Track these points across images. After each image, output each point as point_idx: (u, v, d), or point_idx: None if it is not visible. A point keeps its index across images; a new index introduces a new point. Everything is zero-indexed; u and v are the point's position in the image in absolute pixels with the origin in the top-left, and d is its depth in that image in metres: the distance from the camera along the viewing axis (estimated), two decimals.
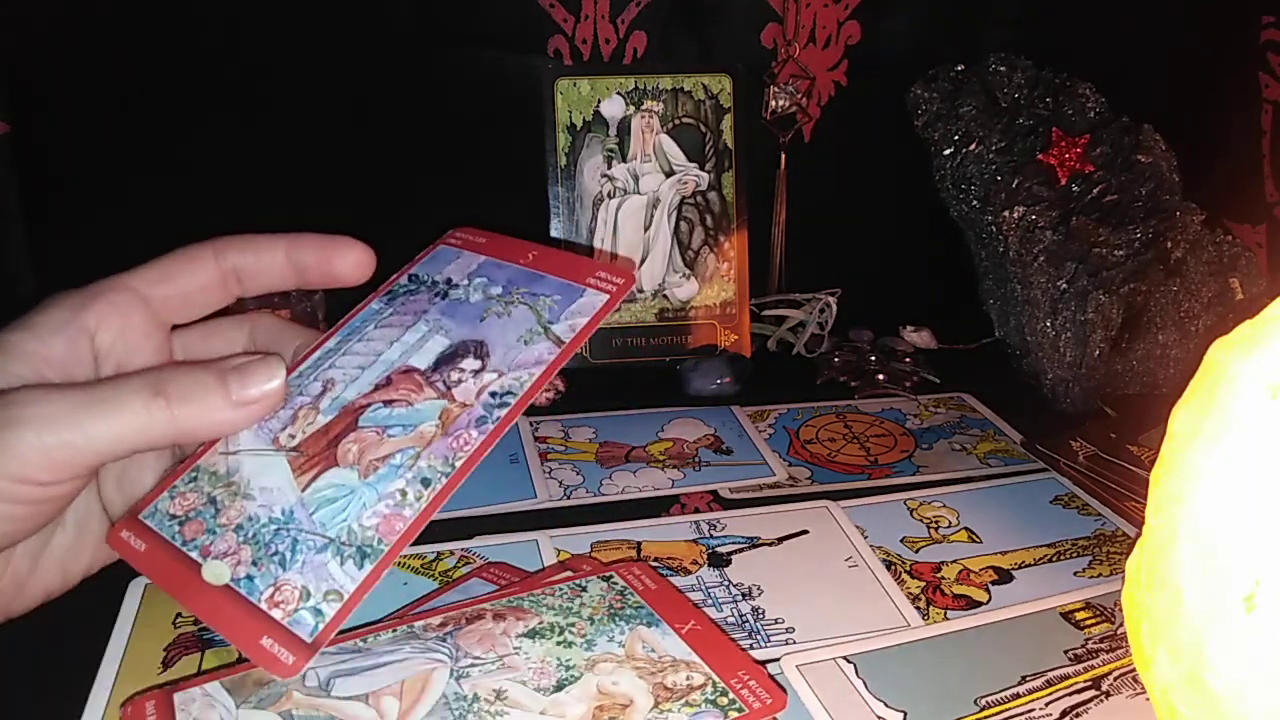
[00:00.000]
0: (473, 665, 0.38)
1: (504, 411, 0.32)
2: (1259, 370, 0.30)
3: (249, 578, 0.31)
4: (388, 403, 0.33)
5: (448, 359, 0.34)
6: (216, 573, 0.31)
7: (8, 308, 0.62)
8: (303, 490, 0.32)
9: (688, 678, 0.38)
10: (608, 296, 0.34)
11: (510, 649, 0.39)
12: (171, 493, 0.34)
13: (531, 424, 0.63)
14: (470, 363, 0.34)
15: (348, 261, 0.37)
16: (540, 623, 0.41)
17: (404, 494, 0.31)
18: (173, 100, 0.67)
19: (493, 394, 0.33)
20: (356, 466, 0.32)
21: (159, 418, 0.31)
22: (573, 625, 0.41)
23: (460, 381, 0.33)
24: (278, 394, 0.33)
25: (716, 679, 0.38)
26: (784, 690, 0.38)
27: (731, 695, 0.37)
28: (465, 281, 0.37)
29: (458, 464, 0.31)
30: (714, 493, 0.56)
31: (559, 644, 0.40)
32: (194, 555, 0.32)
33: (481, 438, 0.32)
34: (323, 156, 0.72)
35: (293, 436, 0.33)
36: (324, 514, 0.31)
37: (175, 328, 0.37)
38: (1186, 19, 0.81)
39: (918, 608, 0.46)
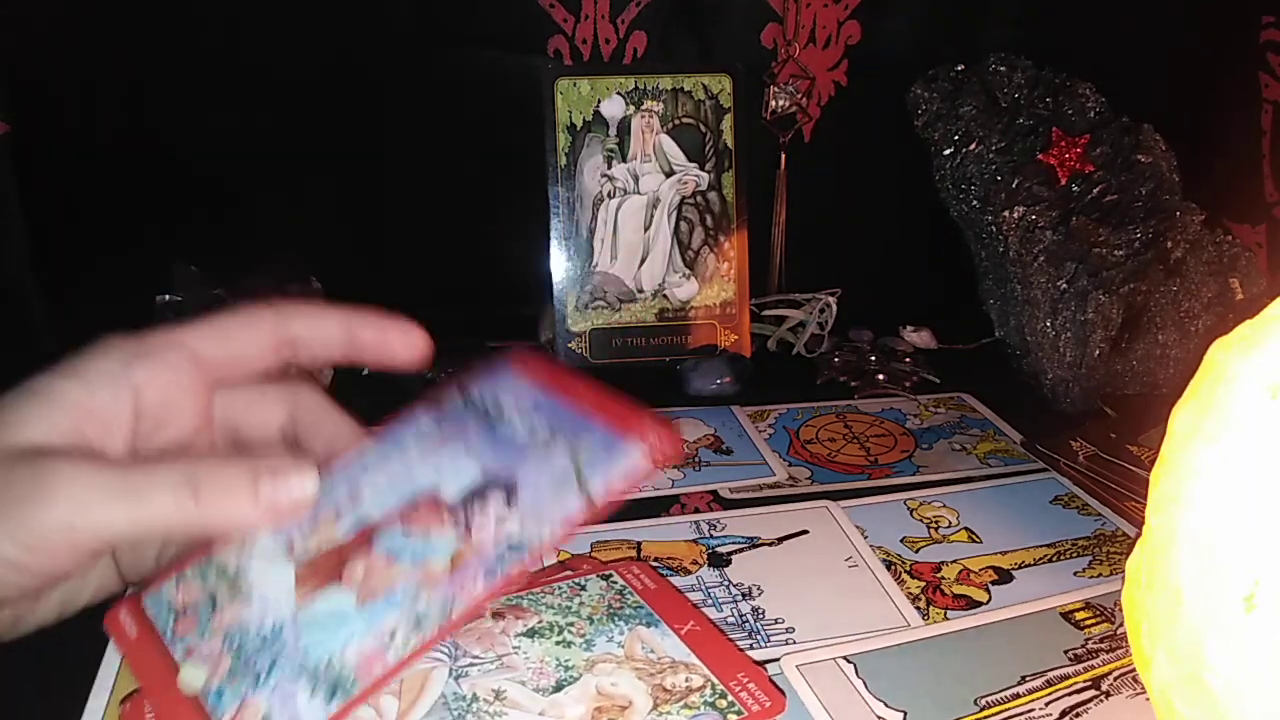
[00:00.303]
0: (471, 665, 0.38)
1: (513, 565, 0.31)
2: (1259, 370, 0.30)
3: (219, 692, 0.30)
4: (406, 529, 0.33)
5: (476, 494, 0.33)
6: (192, 678, 0.30)
7: (8, 308, 0.62)
8: (299, 606, 0.31)
9: (686, 680, 0.38)
10: (650, 462, 0.33)
11: (509, 648, 0.39)
12: (179, 580, 0.33)
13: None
14: (497, 504, 0.33)
15: (404, 346, 0.37)
16: (539, 622, 0.41)
17: (394, 634, 0.30)
18: (173, 100, 0.67)
19: (509, 544, 0.32)
20: (357, 591, 0.31)
21: (186, 513, 0.30)
22: (571, 625, 0.41)
23: (481, 520, 0.32)
24: (307, 503, 0.33)
25: (715, 681, 0.38)
26: (782, 693, 0.38)
27: (730, 698, 0.37)
28: (515, 413, 0.36)
29: (454, 613, 0.30)
30: (714, 493, 0.56)
31: (558, 644, 0.39)
32: (178, 654, 0.31)
33: (485, 589, 0.31)
34: (323, 156, 0.72)
35: (307, 547, 0.33)
36: (312, 638, 0.30)
37: (219, 387, 0.37)
38: (1186, 19, 0.81)
39: (918, 608, 0.46)
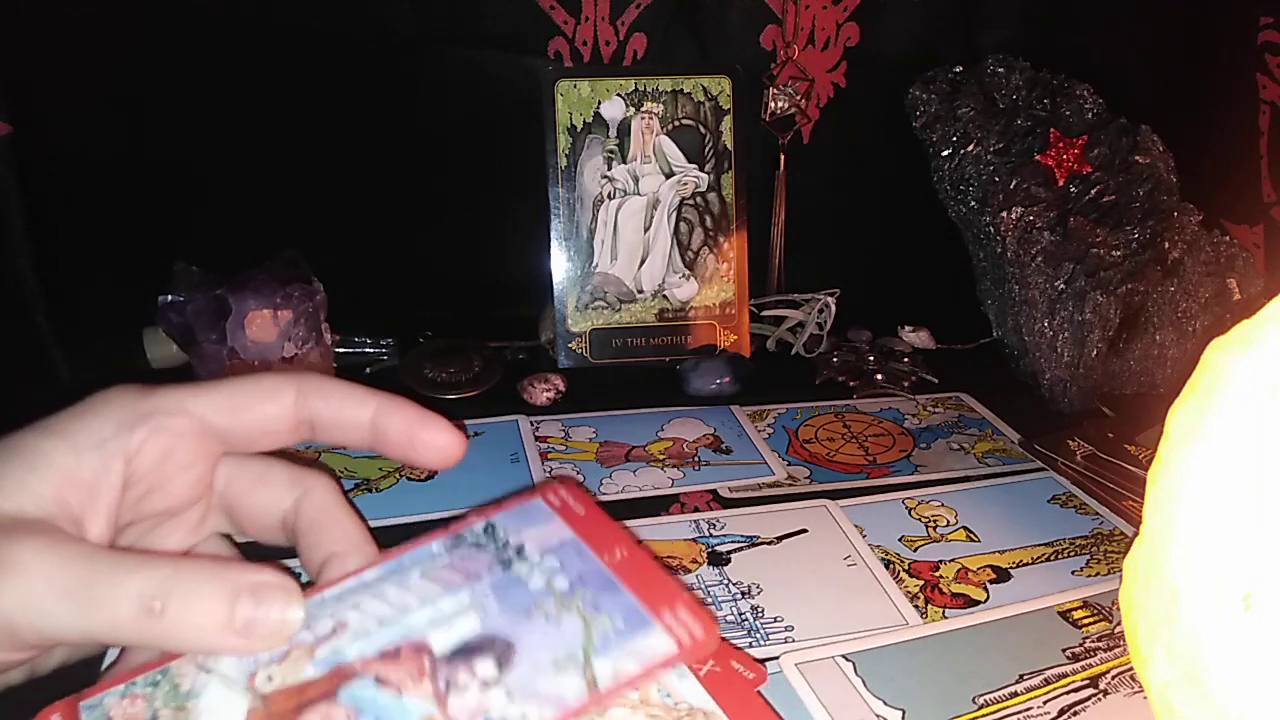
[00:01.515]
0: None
1: None
2: (1256, 370, 0.30)
3: None
4: (380, 681, 0.29)
5: (467, 651, 0.29)
6: None
7: (8, 308, 0.62)
8: None
9: None
10: (675, 649, 0.28)
11: None
12: (126, 689, 0.29)
13: (532, 423, 0.63)
14: (486, 668, 0.29)
15: (434, 445, 0.34)
16: None
17: None
18: (173, 100, 0.67)
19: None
20: None
21: (148, 630, 0.27)
22: None
23: (464, 688, 0.28)
24: (286, 635, 0.29)
25: None
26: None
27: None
28: (537, 556, 0.32)
29: None
30: (714, 492, 0.56)
31: None
32: None
33: None
34: (324, 156, 0.72)
35: (270, 679, 0.29)
36: None
37: (226, 455, 0.34)
38: (1185, 19, 0.82)
39: (916, 606, 0.47)
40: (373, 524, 0.51)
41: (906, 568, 0.50)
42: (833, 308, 0.77)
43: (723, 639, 0.42)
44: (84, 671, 0.35)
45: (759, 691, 0.39)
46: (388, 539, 0.50)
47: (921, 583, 0.49)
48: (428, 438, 0.34)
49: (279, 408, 0.33)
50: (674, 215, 0.73)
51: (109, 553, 0.29)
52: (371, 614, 0.30)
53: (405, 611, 0.30)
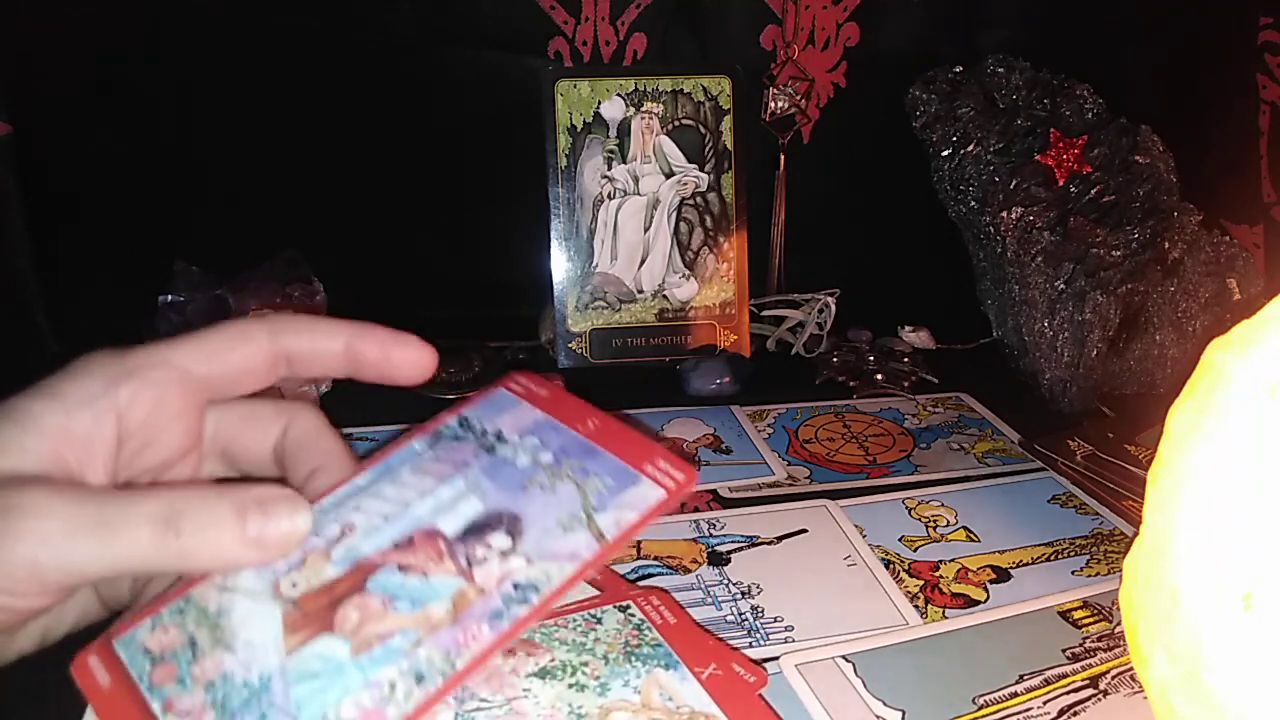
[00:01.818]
0: (479, 709, 0.35)
1: (523, 610, 0.28)
2: (1256, 370, 0.30)
3: None
4: (403, 568, 0.30)
5: (477, 529, 0.31)
6: None
7: (9, 308, 0.62)
8: (288, 654, 0.29)
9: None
10: (664, 494, 0.31)
11: (519, 691, 0.36)
12: (154, 622, 0.30)
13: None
14: (500, 539, 0.30)
15: (408, 360, 0.35)
16: (552, 661, 0.38)
17: (393, 687, 0.27)
18: (173, 100, 0.67)
19: (515, 585, 0.29)
20: (351, 639, 0.29)
21: (167, 550, 0.28)
22: (586, 665, 0.38)
23: (484, 560, 0.30)
24: (297, 540, 0.30)
25: None
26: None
27: None
28: (516, 438, 0.34)
29: (459, 663, 0.28)
30: (714, 492, 0.56)
31: (571, 687, 0.37)
32: (156, 707, 0.28)
33: (493, 636, 0.28)
34: (324, 156, 0.72)
35: (294, 585, 0.30)
36: (302, 690, 0.28)
37: (211, 403, 0.35)
38: (1185, 20, 0.82)
39: (916, 606, 0.47)
40: None
41: (906, 568, 0.50)
42: (833, 308, 0.77)
43: (723, 641, 0.42)
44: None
45: (760, 695, 0.39)
46: None
47: (921, 583, 0.49)
48: (401, 354, 0.36)
49: (253, 347, 0.34)
50: (674, 215, 0.73)
51: (116, 490, 0.30)
52: (375, 512, 0.32)
53: (406, 505, 0.32)
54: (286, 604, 0.29)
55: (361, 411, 0.63)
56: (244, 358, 0.34)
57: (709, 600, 0.46)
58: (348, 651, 0.28)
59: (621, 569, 0.48)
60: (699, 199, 0.73)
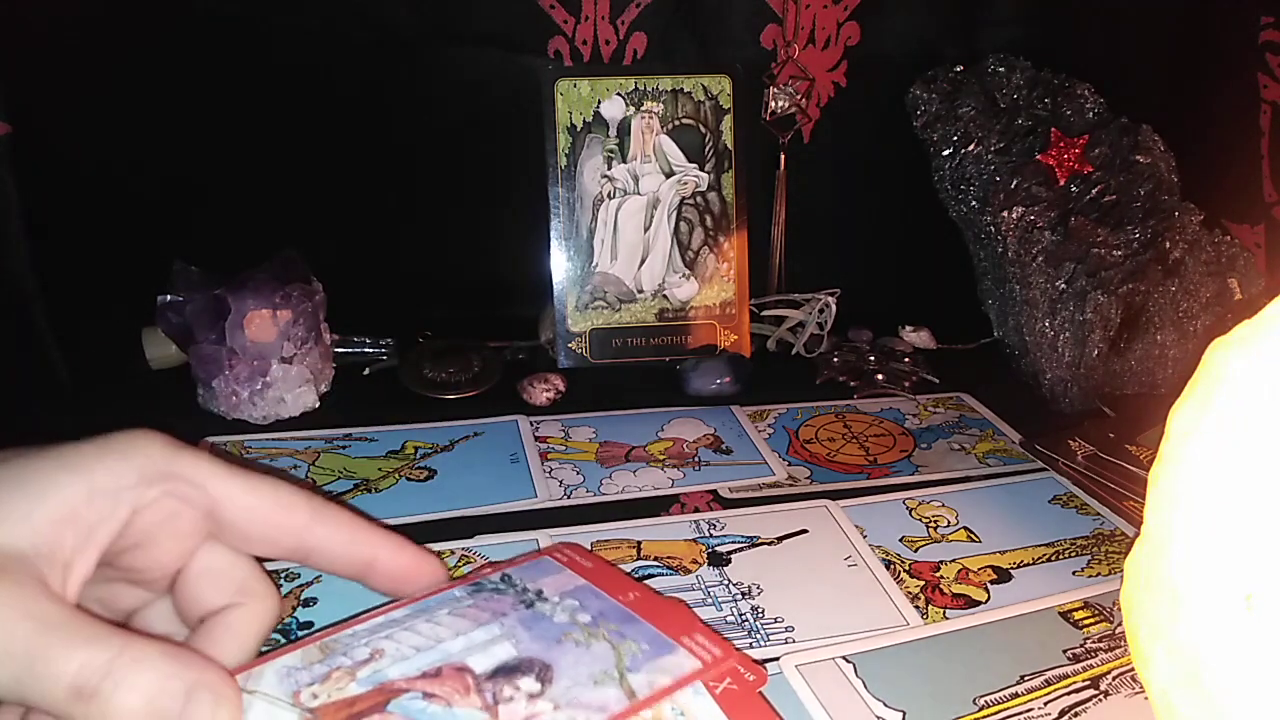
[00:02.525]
0: None
1: None
2: (1258, 370, 0.30)
3: None
4: (427, 695, 0.29)
5: (507, 671, 0.30)
6: None
7: (8, 308, 0.62)
8: None
9: None
10: (699, 665, 0.30)
11: None
12: None
13: (532, 424, 0.63)
14: (529, 683, 0.29)
15: (424, 584, 0.35)
16: None
17: None
18: (173, 100, 0.67)
19: None
20: None
21: (74, 710, 0.26)
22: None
23: (511, 699, 0.29)
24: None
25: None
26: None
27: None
28: (556, 598, 0.34)
29: None
30: (714, 492, 0.56)
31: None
32: None
33: None
34: (324, 156, 0.72)
35: (315, 696, 0.29)
36: None
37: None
38: (1186, 19, 0.82)
39: (917, 607, 0.46)
40: None
41: (907, 568, 0.50)
42: (833, 308, 0.77)
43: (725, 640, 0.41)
44: None
45: (760, 693, 0.39)
46: None
47: (922, 583, 0.48)
48: (415, 577, 0.35)
49: (289, 527, 0.32)
50: (674, 215, 0.73)
51: (65, 616, 0.28)
52: (408, 642, 0.31)
53: (439, 640, 0.31)
54: (304, 712, 0.29)
55: (362, 412, 0.63)
56: (275, 529, 0.32)
57: (709, 601, 0.46)
58: None
59: (622, 570, 0.48)
60: (699, 199, 0.73)
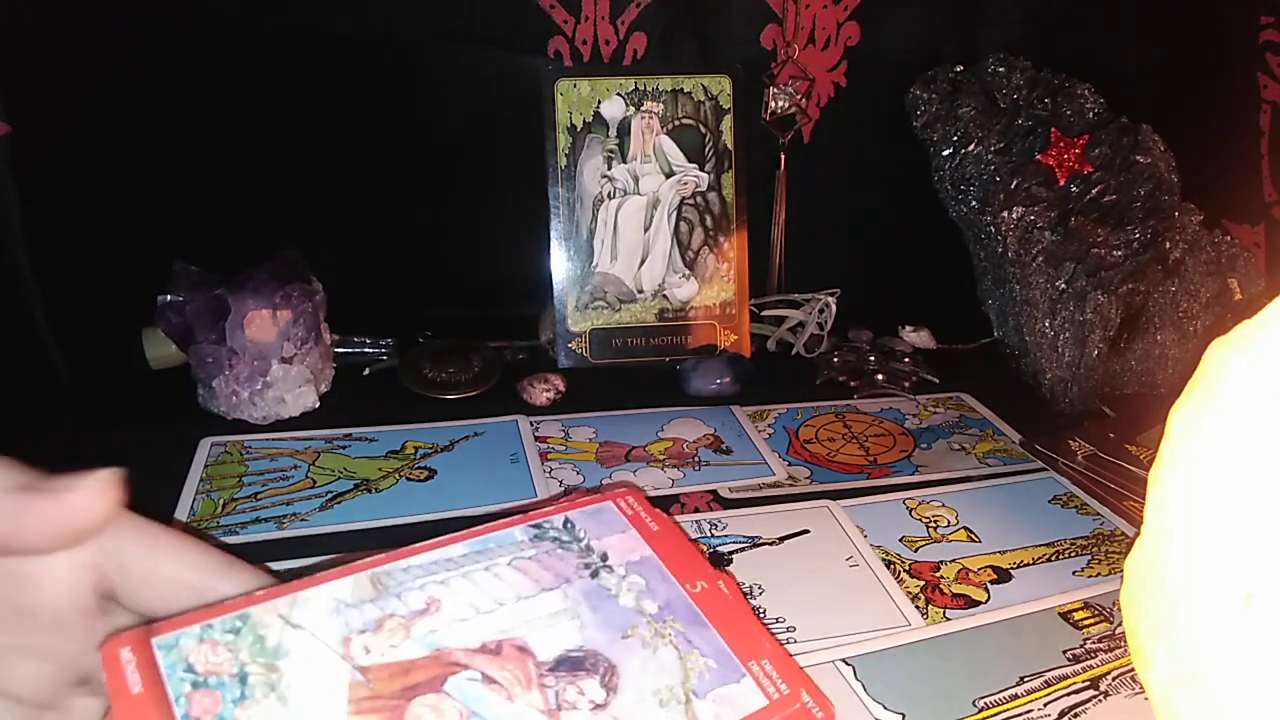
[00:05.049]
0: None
1: None
2: (1257, 370, 0.30)
3: None
4: (487, 679, 0.27)
5: (571, 665, 0.29)
6: None
7: (8, 307, 0.62)
8: None
9: None
10: (766, 704, 0.28)
11: None
12: (204, 631, 0.27)
13: (532, 423, 0.63)
14: (593, 689, 0.28)
15: None
16: None
17: None
18: (173, 100, 0.67)
19: None
20: None
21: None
22: None
23: (574, 707, 0.27)
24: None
25: None
26: None
27: None
28: (622, 570, 0.32)
29: None
30: (714, 492, 0.56)
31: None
32: None
33: None
34: (324, 156, 0.72)
35: (367, 650, 0.27)
36: None
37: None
38: (1186, 19, 0.82)
39: (917, 607, 0.46)
40: (373, 525, 0.51)
41: (907, 568, 0.50)
42: (833, 308, 0.77)
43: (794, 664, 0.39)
44: None
45: None
46: (389, 540, 0.50)
47: (922, 583, 0.48)
48: None
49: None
50: (674, 215, 0.73)
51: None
52: (465, 597, 0.30)
53: (499, 602, 0.30)
54: (354, 670, 0.27)
55: (362, 412, 0.63)
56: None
57: None
58: None
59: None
60: (699, 199, 0.73)
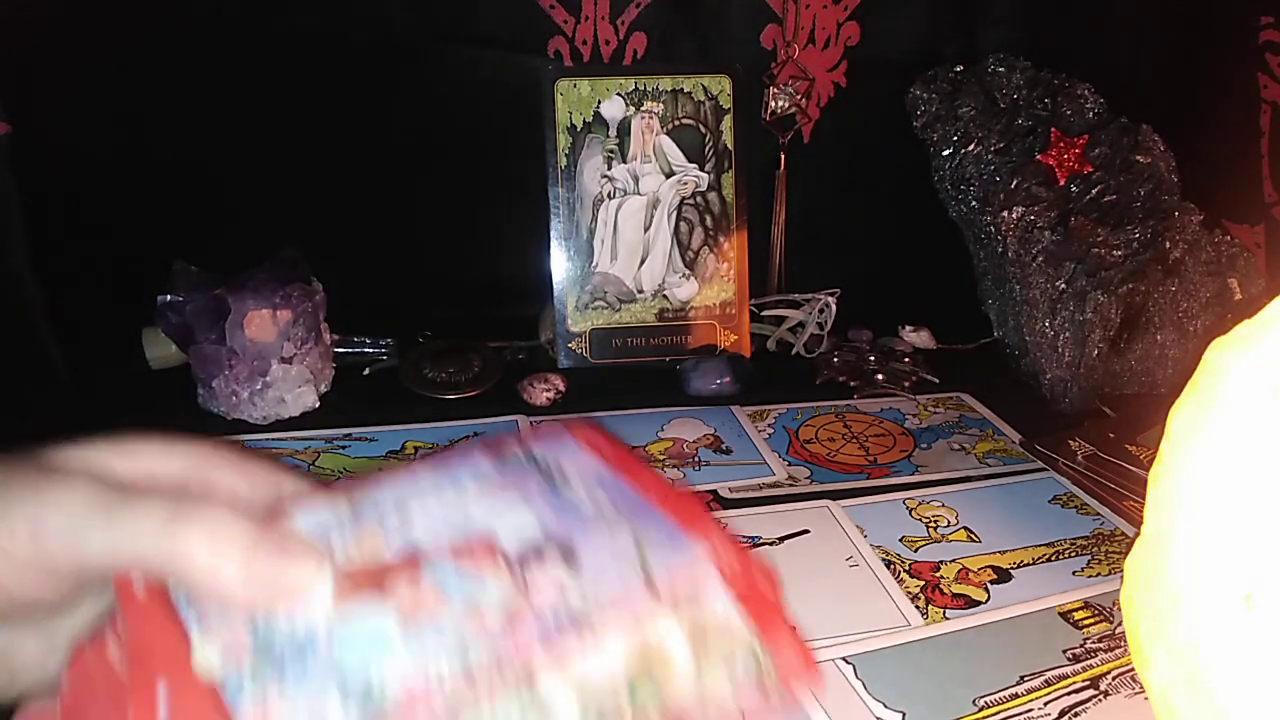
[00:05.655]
0: None
1: (572, 642, 0.27)
2: (1257, 370, 0.30)
3: (239, 685, 0.26)
4: (458, 566, 0.29)
5: (536, 552, 0.30)
6: (208, 661, 0.26)
7: (8, 308, 0.62)
8: (336, 612, 0.27)
9: (729, 640, 0.32)
10: (716, 568, 0.30)
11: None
12: None
13: (532, 423, 0.63)
14: (557, 566, 0.29)
15: None
16: None
17: (441, 680, 0.26)
18: (173, 101, 0.67)
19: (569, 617, 0.28)
20: (400, 612, 0.27)
21: (163, 549, 0.26)
22: None
23: (540, 586, 0.29)
24: (300, 595, 0.28)
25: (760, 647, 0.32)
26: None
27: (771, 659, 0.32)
28: (579, 483, 0.33)
29: (507, 676, 0.26)
30: (714, 492, 0.56)
31: None
32: (193, 631, 0.27)
33: (542, 657, 0.27)
34: (324, 156, 0.72)
35: (349, 557, 0.29)
36: (348, 652, 0.26)
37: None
38: (1186, 19, 0.82)
39: (917, 607, 0.46)
40: None
41: (907, 568, 0.50)
42: (833, 308, 0.77)
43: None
44: None
45: (779, 602, 0.33)
46: None
47: (922, 583, 0.48)
48: None
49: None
50: (674, 215, 0.73)
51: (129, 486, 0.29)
52: (434, 508, 0.31)
53: (466, 510, 0.31)
54: (337, 568, 0.28)
55: (362, 412, 0.63)
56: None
57: None
58: (395, 622, 0.27)
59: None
60: (699, 199, 0.73)
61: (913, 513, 0.55)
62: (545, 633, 0.27)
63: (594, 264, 0.72)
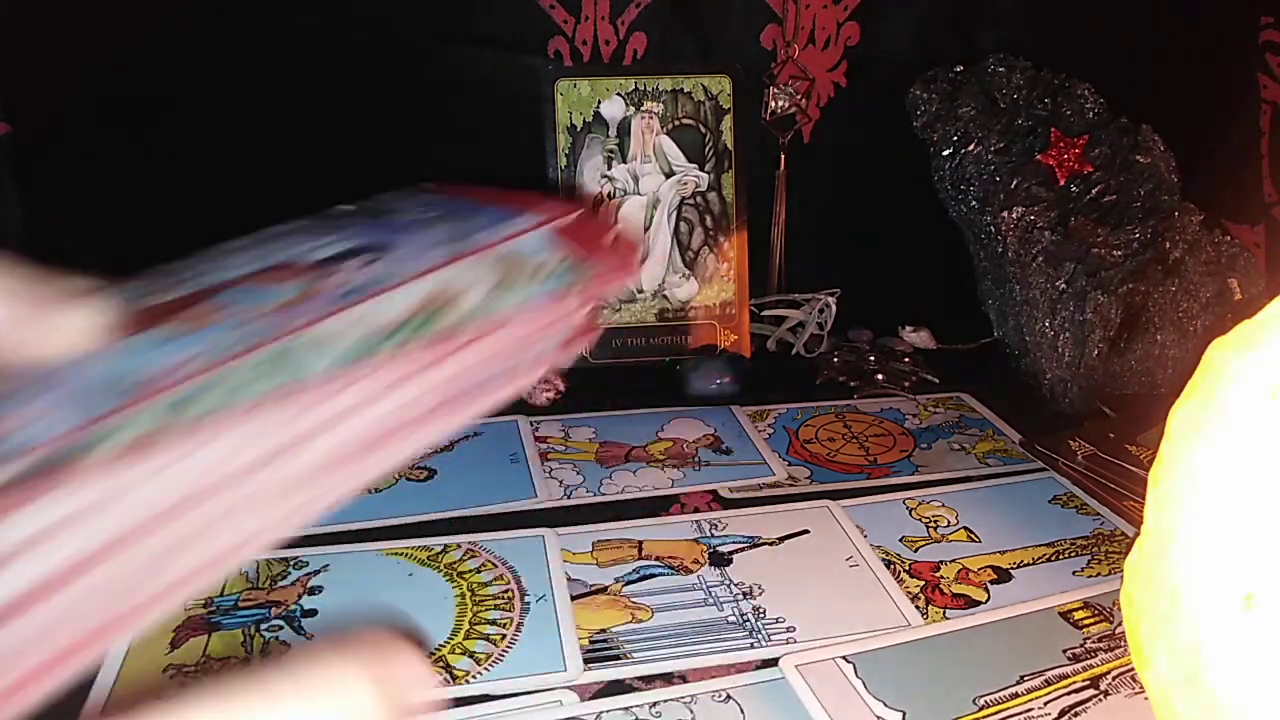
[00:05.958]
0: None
1: (361, 297, 0.25)
2: (1258, 370, 0.30)
3: None
4: (252, 286, 0.27)
5: (339, 257, 0.28)
6: None
7: None
8: (116, 345, 0.25)
9: (540, 262, 0.29)
10: (537, 220, 0.28)
11: None
12: None
13: (532, 424, 0.63)
14: (358, 261, 0.27)
15: None
16: None
17: (191, 360, 0.23)
18: (173, 101, 0.67)
19: (361, 284, 0.26)
20: (176, 329, 0.25)
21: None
22: None
23: (337, 273, 0.27)
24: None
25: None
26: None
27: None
28: (408, 209, 0.32)
29: (286, 328, 0.24)
30: (714, 492, 0.56)
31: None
32: None
33: (327, 309, 0.25)
34: (324, 156, 0.72)
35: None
36: (108, 367, 0.24)
37: None
38: (1186, 19, 0.82)
39: (917, 607, 0.46)
40: (373, 525, 0.51)
41: (907, 568, 0.50)
42: (833, 308, 0.77)
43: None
44: None
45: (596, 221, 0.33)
46: (389, 539, 0.50)
47: (922, 583, 0.48)
48: None
49: None
50: (674, 215, 0.73)
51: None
52: (240, 260, 0.29)
53: (273, 254, 0.29)
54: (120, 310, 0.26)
55: None
56: None
57: (710, 601, 0.46)
58: (157, 338, 0.25)
59: (622, 570, 0.48)
60: (699, 199, 0.73)
61: (913, 513, 0.55)
62: (329, 303, 0.25)
63: None
